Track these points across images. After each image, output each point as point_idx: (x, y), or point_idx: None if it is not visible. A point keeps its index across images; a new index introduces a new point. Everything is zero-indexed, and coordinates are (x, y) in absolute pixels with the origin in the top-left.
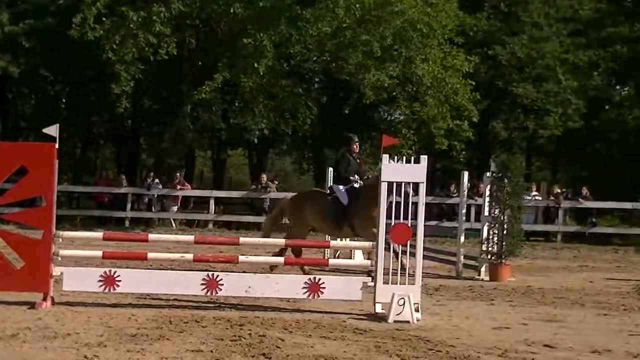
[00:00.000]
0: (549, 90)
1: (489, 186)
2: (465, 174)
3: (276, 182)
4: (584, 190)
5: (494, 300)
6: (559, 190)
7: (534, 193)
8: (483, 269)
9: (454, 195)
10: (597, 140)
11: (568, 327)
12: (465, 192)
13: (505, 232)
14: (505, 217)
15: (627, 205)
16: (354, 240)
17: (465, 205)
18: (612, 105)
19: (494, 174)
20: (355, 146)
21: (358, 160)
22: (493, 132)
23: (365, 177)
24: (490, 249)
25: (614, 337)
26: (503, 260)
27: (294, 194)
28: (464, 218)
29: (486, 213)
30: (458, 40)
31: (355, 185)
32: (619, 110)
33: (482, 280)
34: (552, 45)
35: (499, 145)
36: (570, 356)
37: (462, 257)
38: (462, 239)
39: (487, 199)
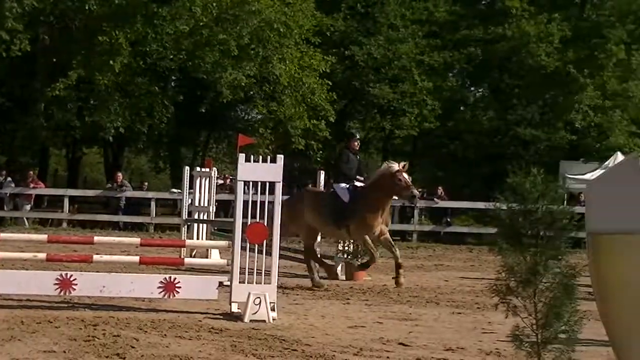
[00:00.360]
0: (405, 91)
1: None
2: (322, 174)
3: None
4: (439, 190)
5: (350, 299)
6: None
7: None
8: (339, 268)
9: None
10: (452, 140)
11: (422, 325)
12: None
13: None
14: None
15: (481, 205)
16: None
17: None
18: (467, 107)
19: None
20: (355, 143)
21: (358, 157)
22: (350, 132)
23: (366, 175)
24: (346, 248)
25: (467, 335)
26: (359, 260)
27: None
28: None
29: None
30: (315, 40)
31: (358, 184)
32: (474, 111)
33: (338, 279)
34: (408, 46)
35: None
36: (424, 354)
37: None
38: (319, 238)
39: None
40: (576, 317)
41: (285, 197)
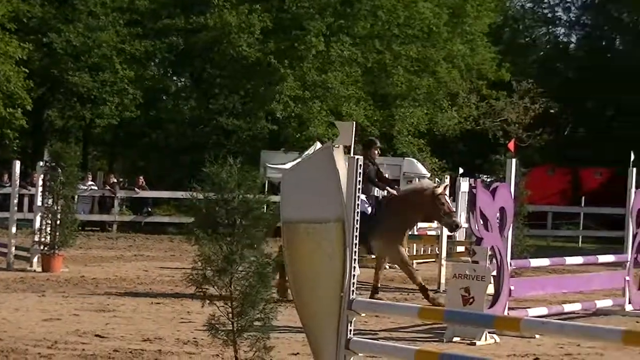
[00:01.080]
0: (105, 80)
1: (42, 176)
2: (17, 163)
3: None
4: (140, 180)
5: (46, 292)
6: (115, 180)
7: (90, 183)
8: (35, 259)
9: (7, 185)
10: (154, 130)
11: (120, 316)
12: (18, 182)
13: (58, 222)
14: (59, 207)
15: (180, 194)
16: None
17: (17, 195)
18: (169, 96)
19: (47, 164)
20: (376, 151)
21: (376, 167)
22: (48, 120)
23: (394, 187)
24: (43, 239)
25: (165, 325)
26: (56, 251)
27: None
28: (15, 208)
29: (39, 203)
30: (11, 27)
31: (379, 195)
32: (176, 100)
33: (35, 271)
34: (109, 34)
35: (55, 134)
36: (121, 345)
37: (13, 248)
38: (14, 229)
39: (41, 188)
40: (271, 304)
41: None
